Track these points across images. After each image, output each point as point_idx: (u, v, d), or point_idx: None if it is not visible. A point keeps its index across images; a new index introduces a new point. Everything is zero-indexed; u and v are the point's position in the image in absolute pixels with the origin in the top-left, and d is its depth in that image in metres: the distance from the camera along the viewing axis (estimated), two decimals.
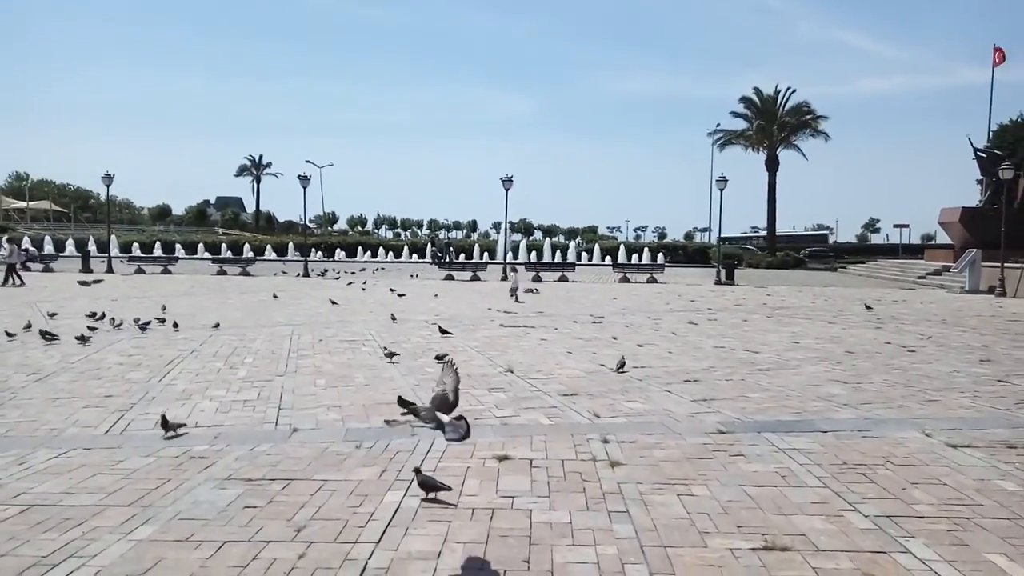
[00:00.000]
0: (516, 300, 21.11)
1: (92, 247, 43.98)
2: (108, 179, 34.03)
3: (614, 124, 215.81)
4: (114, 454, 5.86)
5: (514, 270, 26.47)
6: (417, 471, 5.02)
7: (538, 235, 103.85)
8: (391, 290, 23.87)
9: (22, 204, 79.97)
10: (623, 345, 12.34)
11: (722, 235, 36.54)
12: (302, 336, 12.99)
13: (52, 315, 15.69)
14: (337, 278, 31.27)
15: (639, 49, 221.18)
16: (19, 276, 24.97)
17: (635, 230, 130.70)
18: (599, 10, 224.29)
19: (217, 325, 14.24)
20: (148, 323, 13.61)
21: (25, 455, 5.77)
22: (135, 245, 51.29)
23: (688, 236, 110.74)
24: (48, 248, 46.22)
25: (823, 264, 52.83)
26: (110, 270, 33.19)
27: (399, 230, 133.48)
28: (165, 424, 6.30)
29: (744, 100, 56.05)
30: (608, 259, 50.81)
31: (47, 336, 11.98)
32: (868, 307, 20.39)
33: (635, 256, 50.26)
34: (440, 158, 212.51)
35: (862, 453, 6.04)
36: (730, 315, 18.05)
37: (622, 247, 53.76)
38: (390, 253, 55.65)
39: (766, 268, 48.67)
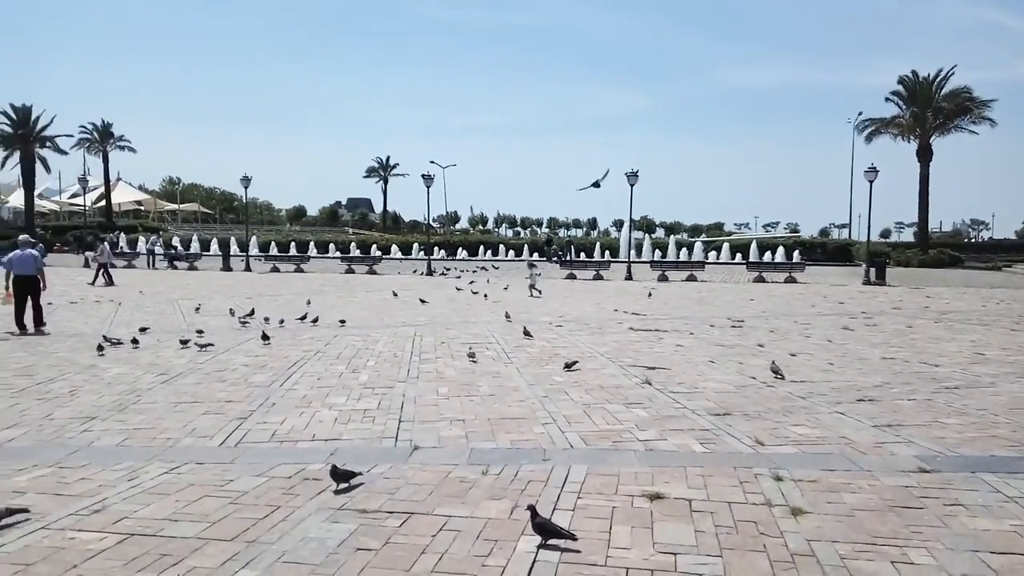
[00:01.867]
0: (534, 295, 21.60)
1: (233, 247, 46.48)
2: (246, 181, 35.64)
3: (737, 118, 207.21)
4: (225, 471, 5.40)
5: (531, 265, 25.06)
6: (533, 511, 4.19)
7: (660, 233, 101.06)
8: (488, 294, 23.35)
9: (174, 206, 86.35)
10: (772, 353, 11.00)
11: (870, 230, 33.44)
12: (424, 338, 12.53)
13: (197, 308, 16.56)
14: (458, 277, 31.16)
15: (763, 40, 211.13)
16: (109, 275, 25.40)
17: (765, 226, 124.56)
18: (717, 2, 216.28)
19: (343, 322, 14.35)
20: (302, 317, 14.69)
21: (137, 469, 5.42)
22: (272, 244, 53.87)
23: (824, 232, 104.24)
24: (195, 247, 49.34)
25: (984, 263, 47.75)
26: (248, 268, 34.73)
27: (519, 228, 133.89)
28: (336, 475, 5.12)
29: (901, 82, 51.37)
30: (738, 257, 48.23)
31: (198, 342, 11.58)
32: None
33: (768, 254, 47.39)
34: (558, 156, 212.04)
35: None
36: (889, 320, 16.11)
37: (754, 244, 50.87)
38: (511, 252, 55.46)
39: (918, 267, 44.53)
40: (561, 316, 16.16)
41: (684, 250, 52.60)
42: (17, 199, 69.97)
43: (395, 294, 21.23)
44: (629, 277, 30.33)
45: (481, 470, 5.45)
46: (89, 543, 4.08)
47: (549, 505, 4.72)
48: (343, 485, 5.01)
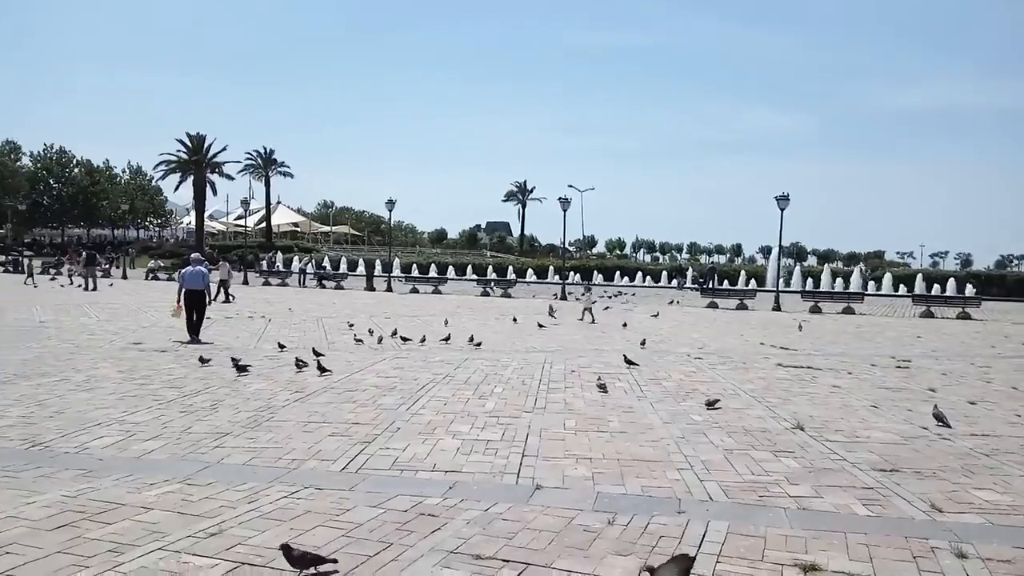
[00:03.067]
0: (587, 319, 20.81)
1: (378, 268, 48.51)
2: (391, 205, 37.09)
3: (900, 138, 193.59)
4: (343, 500, 5.25)
5: (588, 289, 23.07)
6: (286, 549, 3.90)
7: (812, 260, 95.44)
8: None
9: (327, 228, 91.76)
10: (946, 399, 9.70)
11: None
12: (554, 365, 12.15)
13: (351, 325, 17.36)
14: (594, 303, 30.58)
15: (930, 56, 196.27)
16: (228, 292, 26.31)
17: (932, 256, 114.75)
18: (882, 15, 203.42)
19: (479, 344, 14.50)
20: (446, 338, 15.23)
21: (258, 491, 5.38)
22: (413, 266, 55.76)
23: (1001, 264, 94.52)
24: (343, 268, 51.97)
25: None
26: (389, 289, 35.99)
27: (658, 254, 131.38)
28: (292, 559, 3.98)
29: None
30: (902, 289, 44.35)
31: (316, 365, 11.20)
32: None
33: (936, 286, 43.24)
34: (703, 179, 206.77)
35: None
36: None
37: (920, 276, 46.63)
38: (648, 278, 54.15)
39: None
40: (701, 347, 15.27)
41: (839, 280, 49.03)
42: (189, 220, 77.02)
43: (515, 320, 20.52)
44: (777, 308, 28.53)
45: (607, 518, 4.96)
46: (201, 570, 3.99)
47: None
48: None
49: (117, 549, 4.23)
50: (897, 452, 6.93)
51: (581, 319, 21.09)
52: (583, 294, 23.01)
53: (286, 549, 3.87)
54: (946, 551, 4.50)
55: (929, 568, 4.26)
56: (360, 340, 14.63)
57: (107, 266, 44.69)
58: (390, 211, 37.95)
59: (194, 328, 14.31)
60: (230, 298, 26.01)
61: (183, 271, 15.15)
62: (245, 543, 4.38)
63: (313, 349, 12.42)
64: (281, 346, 13.32)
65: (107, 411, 7.95)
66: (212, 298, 14.85)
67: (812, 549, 4.50)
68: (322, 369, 10.74)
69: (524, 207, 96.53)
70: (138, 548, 4.25)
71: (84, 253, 33.99)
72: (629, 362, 12.16)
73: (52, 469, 5.82)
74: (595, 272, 55.64)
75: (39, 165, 74.19)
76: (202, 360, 11.36)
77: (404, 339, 15.01)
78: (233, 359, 11.06)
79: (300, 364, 11.20)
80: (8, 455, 6.26)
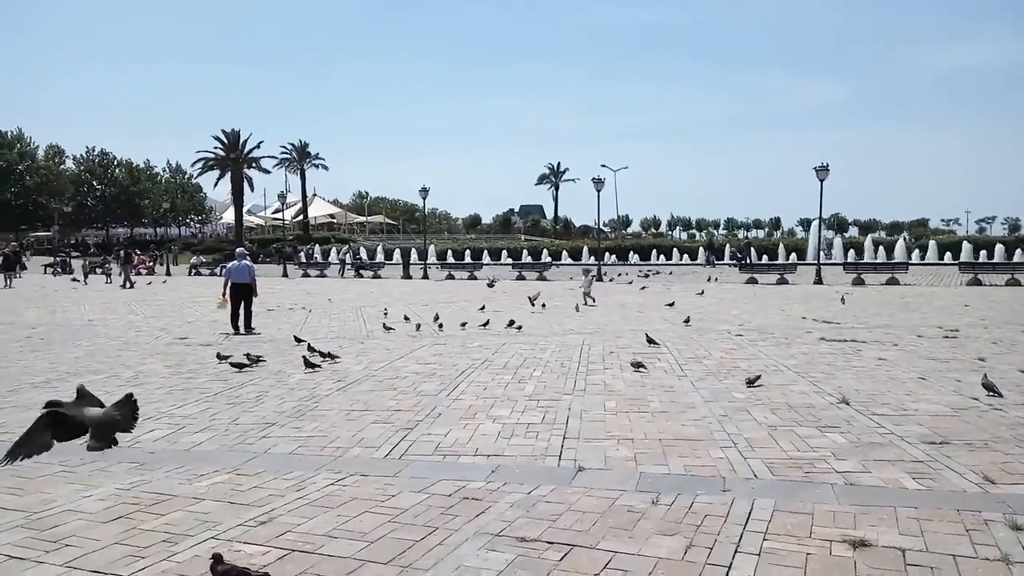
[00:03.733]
0: (588, 303, 19.70)
1: (413, 255, 48.83)
2: (424, 192, 37.20)
3: (945, 102, 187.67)
4: (388, 486, 5.32)
5: (585, 271, 22.09)
6: (217, 560, 3.57)
7: (854, 231, 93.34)
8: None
9: (362, 218, 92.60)
10: (997, 368, 9.43)
11: None
12: (593, 347, 12.11)
13: (384, 313, 17.54)
14: (630, 283, 30.42)
15: (977, 15, 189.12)
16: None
17: (978, 222, 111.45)
18: None
19: (520, 328, 14.46)
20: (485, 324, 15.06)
21: (305, 479, 5.48)
22: (449, 253, 56.02)
23: None
24: (379, 257, 52.45)
25: None
26: (425, 276, 36.21)
27: (694, 231, 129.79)
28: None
29: None
30: (948, 257, 43.17)
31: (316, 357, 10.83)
32: None
33: (983, 253, 42.01)
34: (738, 153, 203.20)
35: None
36: None
37: (966, 243, 45.32)
38: (685, 256, 53.55)
39: None
40: (741, 324, 15.08)
41: (882, 250, 47.88)
42: (229, 216, 78.39)
43: (544, 305, 19.33)
44: (819, 281, 27.99)
45: (651, 499, 4.95)
46: (252, 557, 4.08)
47: (730, 547, 4.13)
48: None
49: (171, 539, 4.35)
50: (947, 424, 6.77)
51: (584, 303, 19.78)
52: (584, 276, 21.92)
53: (215, 561, 3.58)
54: (1000, 523, 4.39)
55: (982, 541, 4.16)
56: (391, 328, 14.72)
57: (151, 263, 45.80)
58: (424, 199, 38.09)
59: (244, 320, 14.68)
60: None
61: (229, 265, 15.56)
62: (294, 530, 4.47)
63: (309, 345, 11.50)
64: (298, 340, 13.00)
65: (156, 405, 8.16)
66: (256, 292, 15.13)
67: (861, 524, 4.43)
68: (310, 365, 10.25)
69: (557, 189, 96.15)
70: (191, 538, 4.37)
71: (122, 252, 34.95)
72: (651, 341, 11.97)
73: (106, 463, 6.00)
74: (630, 252, 55.28)
75: (82, 167, 76.16)
76: (235, 365, 10.48)
77: (441, 326, 15.08)
78: (248, 356, 10.92)
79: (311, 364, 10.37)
80: (64, 450, 6.40)
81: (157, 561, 4.05)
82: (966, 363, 10.03)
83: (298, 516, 4.71)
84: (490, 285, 19.45)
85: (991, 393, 7.85)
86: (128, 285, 30.43)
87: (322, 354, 10.94)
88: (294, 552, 4.15)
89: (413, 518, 4.67)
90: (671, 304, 19.17)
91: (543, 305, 19.25)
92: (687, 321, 15.18)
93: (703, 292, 23.64)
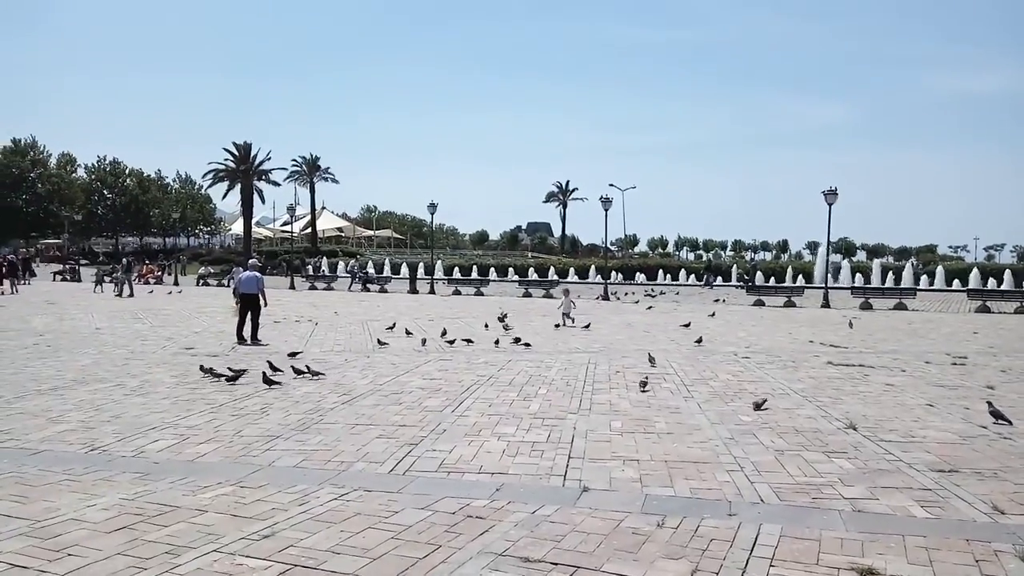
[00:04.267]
0: (567, 324, 18.93)
1: (421, 270, 48.92)
2: (432, 208, 37.37)
3: (955, 129, 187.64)
4: (391, 501, 5.29)
5: (565, 292, 20.98)
6: None
7: (861, 255, 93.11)
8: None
9: (370, 232, 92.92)
10: (1005, 397, 9.38)
11: None
12: (599, 365, 12.08)
13: (390, 328, 17.32)
14: (637, 302, 30.38)
15: (980, 42, 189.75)
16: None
17: (986, 249, 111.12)
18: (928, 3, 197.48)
19: (528, 345, 14.51)
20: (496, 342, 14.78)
21: (309, 493, 5.46)
22: (456, 268, 56.08)
23: None
24: (386, 271, 52.56)
25: None
26: (432, 291, 36.27)
27: (701, 251, 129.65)
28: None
29: None
30: (956, 283, 42.98)
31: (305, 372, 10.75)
32: None
33: (992, 280, 41.81)
34: (746, 174, 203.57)
35: None
36: None
37: (975, 270, 45.13)
38: (691, 276, 53.50)
39: None
40: (748, 346, 15.03)
41: (890, 275, 47.72)
42: (237, 227, 78.74)
43: (557, 327, 18.93)
44: (826, 304, 27.91)
45: (657, 521, 4.91)
46: (254, 571, 4.06)
47: (736, 572, 4.09)
48: None
49: (173, 551, 4.33)
50: (955, 452, 6.72)
51: (564, 323, 19.03)
52: (563, 296, 20.37)
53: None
54: (1010, 554, 4.34)
55: (992, 572, 4.12)
56: (385, 343, 14.77)
57: (160, 273, 45.97)
58: (432, 214, 38.26)
59: (251, 331, 14.74)
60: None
61: (240, 276, 15.70)
62: (297, 545, 4.44)
63: (270, 362, 11.00)
64: (291, 355, 12.86)
65: (161, 415, 8.16)
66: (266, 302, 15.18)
67: (869, 552, 4.38)
68: (269, 382, 9.77)
69: (565, 207, 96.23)
70: (194, 550, 4.35)
71: (124, 260, 35.12)
72: (652, 360, 12.10)
73: (110, 472, 5.99)
74: (637, 271, 55.27)
75: (93, 176, 76.72)
76: (229, 379, 10.26)
77: (450, 342, 14.96)
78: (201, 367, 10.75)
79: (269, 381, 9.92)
80: (69, 459, 6.46)
81: (159, 573, 4.03)
82: (974, 390, 9.96)
83: (301, 531, 4.68)
84: (501, 320, 18.72)
85: (998, 421, 7.79)
86: (127, 294, 30.35)
87: (311, 372, 10.73)
88: (296, 567, 4.12)
89: (417, 535, 4.64)
90: (687, 325, 19.10)
91: (504, 324, 18.24)
92: (699, 341, 15.20)
93: (714, 314, 23.45)
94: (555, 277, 48.13)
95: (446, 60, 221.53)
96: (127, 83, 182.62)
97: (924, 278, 46.19)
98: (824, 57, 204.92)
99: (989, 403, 8.22)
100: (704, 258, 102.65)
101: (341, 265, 55.69)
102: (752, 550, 4.41)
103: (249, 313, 14.89)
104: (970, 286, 38.51)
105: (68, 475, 5.91)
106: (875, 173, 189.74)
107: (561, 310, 19.69)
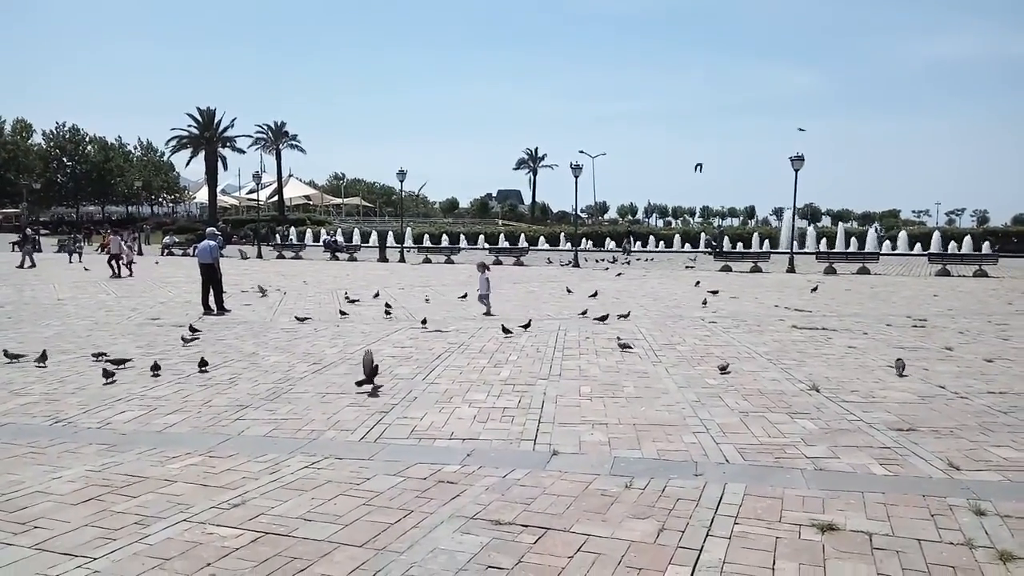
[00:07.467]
0: (487, 313, 14.55)
1: (390, 239, 48.49)
2: (402, 175, 36.99)
3: (916, 94, 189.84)
4: (362, 468, 5.32)
5: (480, 267, 15.34)
6: None
7: (826, 221, 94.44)
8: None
9: (339, 200, 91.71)
10: (963, 358, 9.68)
11: None
12: (568, 332, 12.17)
13: (352, 301, 16.87)
14: (606, 269, 30.55)
15: (944, 9, 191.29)
16: (120, 266, 25.22)
17: (948, 214, 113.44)
18: None
19: (512, 331, 13.60)
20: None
21: (279, 462, 5.46)
22: (426, 236, 55.71)
23: (1019, 220, 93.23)
24: (356, 239, 52.03)
25: None
26: (402, 259, 36.04)
27: (670, 219, 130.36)
28: None
29: None
30: (918, 248, 43.88)
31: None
32: None
33: (952, 244, 42.76)
34: (714, 141, 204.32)
35: None
36: None
37: (936, 234, 46.08)
38: (661, 243, 53.83)
39: None
40: (715, 311, 15.23)
41: (854, 240, 48.52)
42: (202, 195, 77.23)
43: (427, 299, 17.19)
44: (791, 270, 28.34)
45: (624, 482, 5.00)
46: (225, 540, 4.06)
47: (701, 530, 4.20)
48: None
49: (143, 521, 4.32)
50: (913, 411, 6.92)
51: (486, 309, 14.72)
52: (480, 271, 15.23)
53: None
54: (964, 508, 4.50)
55: (947, 526, 4.27)
56: (345, 313, 14.58)
57: (129, 243, 44.86)
58: (402, 181, 37.90)
59: (216, 302, 14.56)
60: (122, 273, 25.04)
61: (197, 245, 15.50)
62: (268, 513, 4.45)
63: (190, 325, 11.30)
64: (300, 320, 13.14)
65: (128, 386, 8.06)
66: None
67: (829, 509, 4.52)
68: (108, 375, 8.40)
69: (535, 174, 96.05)
70: (163, 520, 4.33)
71: (85, 229, 34.01)
72: (603, 319, 13.00)
73: (76, 444, 5.93)
74: (607, 238, 55.42)
75: (52, 143, 74.43)
76: (184, 340, 10.90)
77: (423, 322, 13.16)
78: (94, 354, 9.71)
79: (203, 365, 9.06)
80: (33, 431, 6.37)
81: (129, 543, 4.02)
82: (933, 352, 10.24)
83: (272, 499, 4.69)
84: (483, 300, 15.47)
85: (902, 375, 8.50)
86: (28, 264, 28.89)
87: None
88: (268, 535, 4.14)
89: (388, 501, 4.68)
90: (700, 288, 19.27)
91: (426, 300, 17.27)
92: (704, 303, 16.00)
93: (698, 283, 22.11)
94: (525, 244, 48.10)
95: (417, 29, 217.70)
96: (87, 50, 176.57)
97: (887, 243, 47.04)
98: (795, 24, 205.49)
99: (899, 359, 8.91)
100: (672, 224, 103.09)
101: (309, 233, 54.98)
102: (717, 509, 4.53)
103: (209, 282, 14.69)
104: (931, 250, 39.31)
105: (33, 447, 5.84)
106: (842, 140, 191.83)
107: (478, 291, 15.14)
